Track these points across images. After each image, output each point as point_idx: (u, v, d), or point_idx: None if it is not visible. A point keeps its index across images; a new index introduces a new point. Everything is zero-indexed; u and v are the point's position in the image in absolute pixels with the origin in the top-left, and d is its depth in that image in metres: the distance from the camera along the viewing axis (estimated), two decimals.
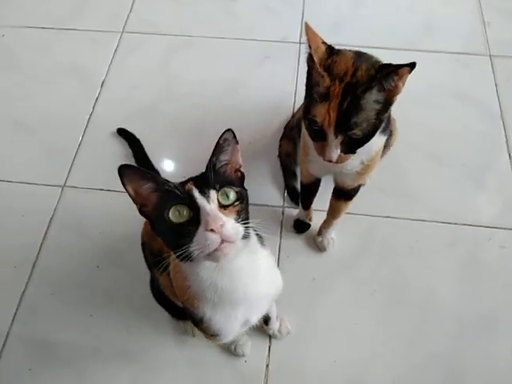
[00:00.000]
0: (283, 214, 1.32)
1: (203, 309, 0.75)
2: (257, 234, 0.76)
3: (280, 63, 1.58)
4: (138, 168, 0.66)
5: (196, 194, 0.62)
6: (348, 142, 0.78)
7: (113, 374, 1.12)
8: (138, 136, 1.43)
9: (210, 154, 0.68)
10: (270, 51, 1.62)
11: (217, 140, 0.68)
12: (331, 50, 0.81)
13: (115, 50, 1.67)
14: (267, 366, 1.12)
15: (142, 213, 0.68)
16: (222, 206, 0.63)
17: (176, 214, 0.62)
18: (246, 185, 1.37)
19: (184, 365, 1.12)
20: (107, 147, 1.46)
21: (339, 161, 0.81)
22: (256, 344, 1.14)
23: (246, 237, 0.64)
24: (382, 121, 0.79)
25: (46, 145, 1.47)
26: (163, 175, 1.33)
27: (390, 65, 0.75)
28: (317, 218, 1.27)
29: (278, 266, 1.23)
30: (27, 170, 1.42)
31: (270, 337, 1.14)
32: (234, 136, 0.69)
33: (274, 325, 1.11)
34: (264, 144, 1.44)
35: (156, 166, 1.35)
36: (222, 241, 0.60)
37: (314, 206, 1.26)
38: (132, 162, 1.39)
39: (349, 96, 0.74)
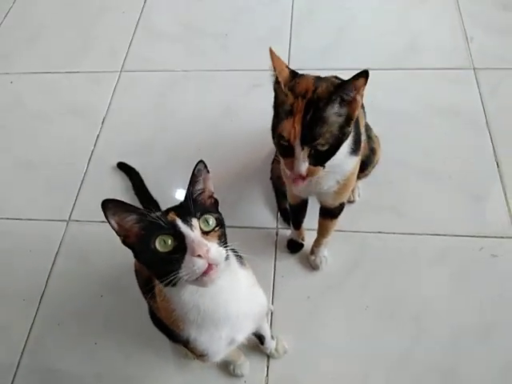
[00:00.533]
0: (277, 234, 1.36)
1: (188, 330, 0.79)
2: (237, 255, 0.81)
3: (270, 90, 1.63)
4: (121, 201, 0.69)
5: (179, 223, 0.66)
6: (314, 154, 0.82)
7: None
8: (137, 168, 1.50)
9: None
10: (259, 79, 1.69)
11: (192, 169, 0.73)
12: (294, 74, 0.87)
13: (114, 89, 1.76)
14: None
15: (125, 243, 0.70)
16: (204, 233, 0.67)
17: (162, 244, 0.65)
18: (240, 207, 1.44)
19: None
20: (109, 181, 1.53)
21: (309, 174, 0.83)
22: (254, 364, 1.16)
23: (226, 258, 0.69)
24: (345, 134, 0.83)
25: (49, 181, 1.55)
26: (162, 204, 1.39)
27: (346, 80, 0.80)
28: (309, 238, 1.30)
29: (274, 285, 1.27)
30: (33, 206, 1.50)
31: (268, 356, 1.17)
32: (205, 166, 0.74)
33: (270, 344, 1.13)
34: (257, 168, 1.49)
35: (155, 195, 1.41)
36: (209, 265, 0.64)
37: (306, 225, 1.30)
38: (132, 193, 1.46)
39: (311, 110, 0.79)
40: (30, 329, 1.28)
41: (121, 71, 1.81)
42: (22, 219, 1.48)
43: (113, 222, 0.69)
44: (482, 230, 1.30)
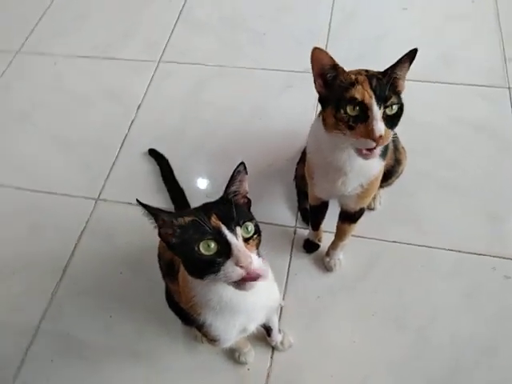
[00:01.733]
0: (295, 233, 1.40)
1: (205, 316, 0.84)
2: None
3: (301, 92, 1.68)
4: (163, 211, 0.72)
5: (225, 230, 0.68)
6: (387, 117, 0.84)
7: (125, 372, 1.22)
8: (166, 156, 1.56)
9: (229, 174, 0.76)
10: (292, 81, 1.73)
11: (233, 170, 0.76)
12: None
13: (152, 78, 1.83)
14: (268, 375, 1.18)
15: (160, 236, 0.74)
16: (245, 240, 0.70)
17: (205, 247, 0.68)
18: (262, 204, 1.49)
19: (191, 369, 1.21)
20: (138, 165, 1.60)
21: (385, 137, 0.83)
22: (259, 354, 1.21)
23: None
24: (402, 105, 0.86)
25: (83, 160, 1.63)
26: (187, 193, 1.45)
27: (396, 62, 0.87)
28: (326, 240, 1.33)
29: (287, 282, 1.31)
30: (65, 182, 1.58)
31: (273, 348, 1.21)
32: (245, 168, 0.77)
33: (277, 337, 1.17)
34: (282, 167, 1.53)
35: (180, 183, 1.48)
36: (248, 273, 0.67)
37: (324, 227, 1.34)
38: (160, 180, 1.53)
39: (374, 79, 0.84)
40: (52, 296, 1.35)
41: (159, 61, 1.88)
42: (55, 193, 1.56)
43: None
44: (497, 250, 1.30)
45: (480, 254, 1.30)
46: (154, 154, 1.59)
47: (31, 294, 1.37)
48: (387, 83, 0.84)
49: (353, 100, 0.83)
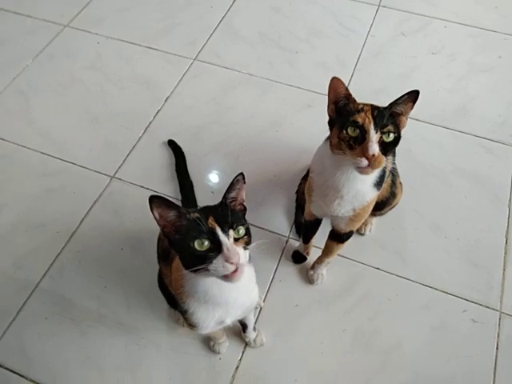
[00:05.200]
0: (286, 243, 1.50)
1: (189, 304, 0.94)
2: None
3: (319, 113, 1.74)
4: (165, 199, 0.79)
5: (219, 232, 0.77)
6: (383, 143, 0.95)
7: (108, 339, 1.33)
8: (183, 149, 1.67)
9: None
10: (313, 101, 1.83)
11: (233, 179, 0.85)
12: None
13: (184, 74, 1.94)
14: (237, 368, 1.28)
15: (163, 232, 0.82)
16: (235, 239, 0.80)
17: (199, 244, 0.77)
18: (262, 210, 1.58)
19: (168, 347, 1.31)
20: (156, 153, 1.71)
21: (377, 161, 0.93)
22: (232, 347, 1.30)
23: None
24: (398, 139, 0.98)
25: (107, 139, 1.75)
26: (196, 187, 1.56)
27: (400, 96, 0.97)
28: (314, 254, 1.43)
29: (270, 286, 1.41)
30: (87, 156, 1.70)
31: (246, 344, 1.31)
32: (244, 178, 0.87)
33: (251, 334, 1.27)
34: (286, 179, 1.62)
35: (191, 176, 1.59)
36: (236, 268, 0.77)
37: (314, 242, 1.43)
38: (172, 170, 1.64)
39: (376, 111, 0.96)
40: (56, 258, 1.47)
41: (194, 59, 1.99)
42: (75, 164, 1.68)
43: (156, 213, 0.80)
44: (471, 294, 1.38)
45: (454, 295, 1.38)
46: (172, 145, 1.70)
47: (37, 253, 1.48)
48: (387, 114, 0.96)
49: (355, 123, 0.95)
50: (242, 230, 0.81)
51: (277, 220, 1.54)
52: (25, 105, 1.87)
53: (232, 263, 0.76)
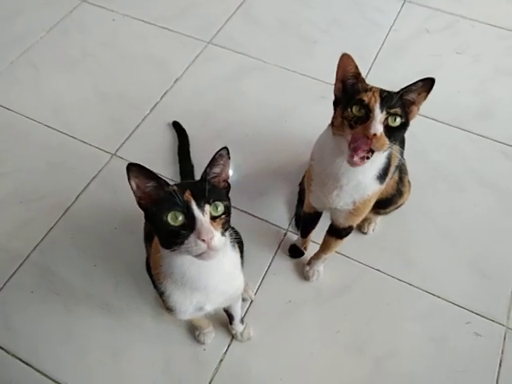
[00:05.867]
0: (284, 236, 1.43)
1: (166, 285, 0.88)
2: (236, 238, 0.86)
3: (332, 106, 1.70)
4: (144, 167, 0.74)
5: (194, 206, 0.72)
6: (389, 128, 0.88)
7: (93, 319, 1.29)
8: (188, 133, 1.62)
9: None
10: (327, 93, 1.75)
11: (215, 153, 0.79)
12: None
13: (197, 56, 1.89)
14: (221, 361, 1.23)
15: (139, 205, 0.77)
16: (212, 218, 0.73)
17: (173, 218, 0.72)
18: (263, 199, 1.52)
19: (152, 333, 1.26)
20: (160, 133, 1.66)
21: (378, 141, 0.86)
22: (218, 339, 1.25)
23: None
24: (405, 128, 0.91)
25: (112, 115, 1.71)
26: (196, 172, 1.51)
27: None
28: (311, 250, 1.36)
29: (263, 279, 1.35)
30: (91, 131, 1.66)
31: (233, 337, 1.25)
32: (228, 153, 0.81)
33: (238, 326, 1.21)
34: (291, 171, 1.56)
35: (194, 162, 1.53)
36: (208, 248, 0.71)
37: (312, 238, 1.37)
38: (175, 152, 1.59)
39: (385, 92, 0.89)
40: (48, 232, 1.44)
41: (208, 42, 1.94)
42: (78, 139, 1.65)
43: (133, 183, 0.75)
44: (476, 306, 1.30)
45: (458, 305, 1.30)
46: (177, 126, 1.65)
47: (30, 225, 1.45)
48: (396, 97, 0.89)
49: (360, 101, 0.88)
50: (220, 207, 0.75)
51: (277, 212, 1.48)
52: (35, 76, 1.84)
53: (203, 240, 0.70)
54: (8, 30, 1.98)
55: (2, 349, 1.25)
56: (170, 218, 0.72)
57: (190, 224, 0.71)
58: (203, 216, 0.72)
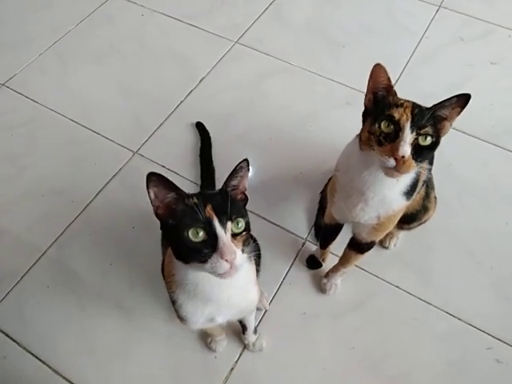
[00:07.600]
0: (303, 245, 1.41)
1: (178, 295, 0.86)
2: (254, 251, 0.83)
3: (358, 113, 1.65)
4: (165, 178, 0.73)
5: (216, 223, 0.69)
6: (418, 147, 0.85)
7: (106, 318, 1.29)
8: (211, 134, 1.60)
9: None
10: (353, 99, 1.71)
11: (236, 165, 0.76)
12: None
13: (223, 56, 1.87)
14: (231, 369, 1.21)
15: (156, 215, 0.75)
16: (233, 235, 0.71)
17: (194, 234, 0.69)
18: (282, 207, 1.49)
19: (164, 336, 1.25)
20: (182, 133, 1.65)
21: (406, 164, 0.83)
22: (230, 347, 1.23)
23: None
24: (436, 146, 0.87)
25: (136, 113, 1.70)
26: (217, 173, 1.49)
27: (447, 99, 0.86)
28: (330, 262, 1.33)
29: (279, 289, 1.33)
30: (113, 128, 1.66)
31: (245, 347, 1.23)
32: (248, 165, 0.78)
33: (251, 337, 1.19)
34: (313, 178, 1.53)
35: (215, 164, 1.52)
36: (230, 268, 0.69)
37: (331, 249, 1.34)
38: (196, 153, 1.57)
39: (416, 109, 0.86)
40: (67, 227, 1.44)
41: (236, 42, 1.92)
42: (101, 135, 1.65)
43: (152, 192, 0.73)
44: (498, 331, 1.25)
45: (479, 329, 1.25)
46: (200, 127, 1.63)
47: (50, 220, 1.46)
48: (428, 115, 0.85)
49: (390, 117, 0.85)
50: (241, 223, 0.72)
51: (296, 219, 1.45)
52: (61, 69, 1.85)
53: (226, 260, 0.68)
54: (37, 23, 1.99)
55: (13, 340, 1.26)
56: (191, 234, 0.69)
57: (212, 242, 0.69)
58: (225, 234, 0.69)
